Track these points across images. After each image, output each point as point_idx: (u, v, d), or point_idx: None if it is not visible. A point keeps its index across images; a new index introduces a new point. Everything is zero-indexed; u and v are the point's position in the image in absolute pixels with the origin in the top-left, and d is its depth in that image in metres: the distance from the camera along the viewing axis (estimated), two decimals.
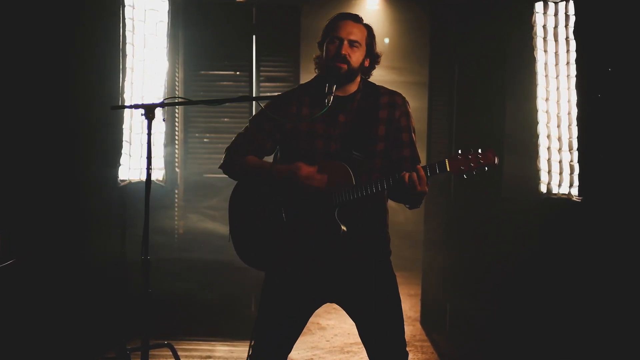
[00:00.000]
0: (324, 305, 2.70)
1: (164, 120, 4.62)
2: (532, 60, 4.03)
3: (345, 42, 2.57)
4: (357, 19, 2.64)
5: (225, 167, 2.73)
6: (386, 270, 2.66)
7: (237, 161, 2.68)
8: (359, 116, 2.60)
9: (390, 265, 2.68)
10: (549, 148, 4.00)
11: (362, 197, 2.48)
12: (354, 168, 2.52)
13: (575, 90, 3.76)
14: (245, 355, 4.35)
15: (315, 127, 2.59)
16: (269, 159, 2.75)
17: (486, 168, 2.43)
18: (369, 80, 2.70)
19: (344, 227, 2.51)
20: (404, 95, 2.69)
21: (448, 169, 2.43)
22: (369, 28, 2.66)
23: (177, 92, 4.88)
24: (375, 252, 2.64)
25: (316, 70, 2.70)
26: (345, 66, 2.56)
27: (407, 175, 2.42)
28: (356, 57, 2.58)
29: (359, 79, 2.65)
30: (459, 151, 2.45)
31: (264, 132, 2.66)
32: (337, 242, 2.54)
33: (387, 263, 2.67)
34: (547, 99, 4.00)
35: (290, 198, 2.58)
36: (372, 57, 2.66)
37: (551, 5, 3.94)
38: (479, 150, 2.43)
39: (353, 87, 2.62)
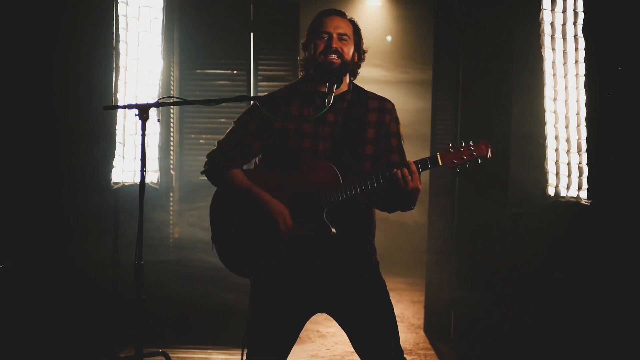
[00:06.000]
0: (324, 313, 2.64)
1: (158, 120, 4.54)
2: (540, 59, 3.97)
3: (335, 36, 2.53)
4: (343, 14, 2.60)
5: (208, 177, 2.68)
6: (374, 277, 2.60)
7: (221, 176, 2.63)
8: (348, 116, 2.56)
9: (379, 272, 2.62)
10: (557, 149, 3.94)
11: (351, 196, 2.44)
12: (342, 169, 2.47)
13: (584, 90, 3.72)
14: None
15: (304, 125, 2.54)
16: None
17: (479, 160, 2.42)
18: (356, 84, 2.67)
19: (333, 229, 2.46)
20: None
21: (440, 163, 2.43)
22: (354, 23, 2.62)
23: (172, 92, 4.80)
24: (363, 262, 2.59)
25: (301, 73, 2.65)
26: (338, 60, 2.51)
27: (399, 171, 2.38)
28: (347, 49, 2.54)
29: (347, 78, 2.61)
30: (450, 144, 2.45)
31: (252, 133, 2.60)
32: (327, 244, 2.48)
33: (375, 271, 2.62)
34: (555, 99, 3.94)
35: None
36: (360, 53, 2.62)
37: (559, 1, 3.88)
38: (471, 143, 2.42)
39: (343, 87, 2.59)
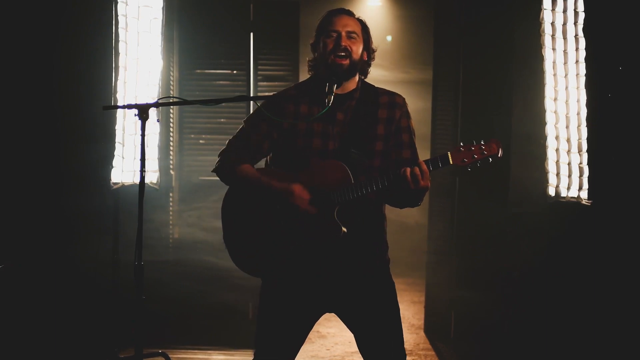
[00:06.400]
0: (332, 313, 2.63)
1: (158, 120, 4.53)
2: (540, 59, 3.96)
3: (344, 34, 2.51)
4: (351, 13, 2.59)
5: (218, 174, 2.64)
6: (384, 278, 2.59)
7: (231, 171, 2.60)
8: (357, 115, 2.54)
9: (389, 273, 2.61)
10: (557, 150, 3.93)
11: (362, 195, 2.43)
12: (352, 167, 2.46)
13: (584, 90, 3.72)
14: None
15: (313, 125, 2.53)
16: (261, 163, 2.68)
17: (490, 159, 2.41)
18: (366, 80, 2.64)
19: (344, 228, 2.44)
20: (406, 94, 2.64)
21: (451, 162, 2.40)
22: (362, 22, 2.61)
23: (171, 92, 4.79)
24: (374, 259, 2.57)
25: (310, 73, 2.63)
26: (347, 61, 2.50)
27: (408, 170, 2.36)
28: (356, 48, 2.53)
29: (357, 77, 2.59)
30: (461, 143, 2.43)
31: (261, 133, 2.58)
32: (338, 243, 2.47)
33: (385, 271, 2.61)
34: (555, 99, 3.93)
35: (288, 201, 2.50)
36: (369, 51, 2.60)
37: (560, 1, 3.87)
38: (482, 142, 2.41)
39: (352, 85, 2.57)
